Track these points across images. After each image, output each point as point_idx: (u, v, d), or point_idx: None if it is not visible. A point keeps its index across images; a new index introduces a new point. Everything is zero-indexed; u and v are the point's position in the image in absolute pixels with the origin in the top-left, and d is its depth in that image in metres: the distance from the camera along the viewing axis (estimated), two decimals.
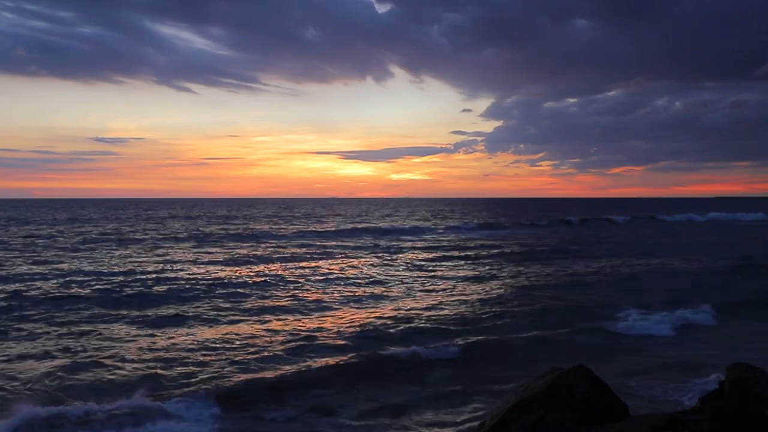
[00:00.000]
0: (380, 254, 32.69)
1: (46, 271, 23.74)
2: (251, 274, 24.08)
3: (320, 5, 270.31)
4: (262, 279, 22.37)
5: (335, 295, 19.43)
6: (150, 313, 16.15)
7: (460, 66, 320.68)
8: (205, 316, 15.91)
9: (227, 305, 17.39)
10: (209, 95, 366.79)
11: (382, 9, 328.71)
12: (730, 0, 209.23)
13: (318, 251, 34.08)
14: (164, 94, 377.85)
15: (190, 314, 16.14)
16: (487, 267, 27.43)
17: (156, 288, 19.97)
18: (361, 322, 15.29)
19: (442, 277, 23.82)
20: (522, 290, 20.62)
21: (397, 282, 22.36)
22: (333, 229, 53.60)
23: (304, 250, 34.98)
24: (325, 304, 17.90)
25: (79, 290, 19.21)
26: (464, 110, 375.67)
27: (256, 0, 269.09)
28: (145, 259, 28.79)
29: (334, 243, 39.94)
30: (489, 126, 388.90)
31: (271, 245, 37.81)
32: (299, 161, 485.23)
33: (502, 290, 20.69)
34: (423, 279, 23.36)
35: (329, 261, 29.46)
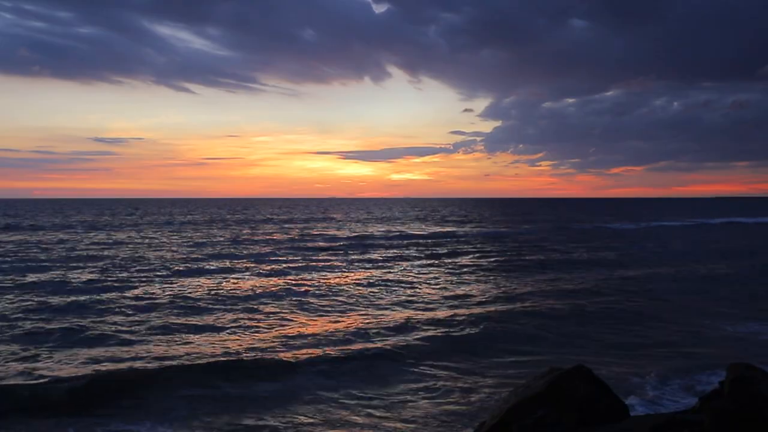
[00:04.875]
0: None
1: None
2: None
3: (317, 6, 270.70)
4: None
5: None
6: None
7: (458, 66, 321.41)
8: None
9: None
10: (208, 95, 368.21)
11: (379, 9, 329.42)
12: (729, 1, 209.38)
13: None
14: (163, 94, 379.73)
15: None
16: None
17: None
18: None
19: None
20: None
21: None
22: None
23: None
24: None
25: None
26: (466, 110, 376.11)
27: (254, 1, 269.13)
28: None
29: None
30: (488, 126, 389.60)
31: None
32: (299, 161, 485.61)
33: None
34: None
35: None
